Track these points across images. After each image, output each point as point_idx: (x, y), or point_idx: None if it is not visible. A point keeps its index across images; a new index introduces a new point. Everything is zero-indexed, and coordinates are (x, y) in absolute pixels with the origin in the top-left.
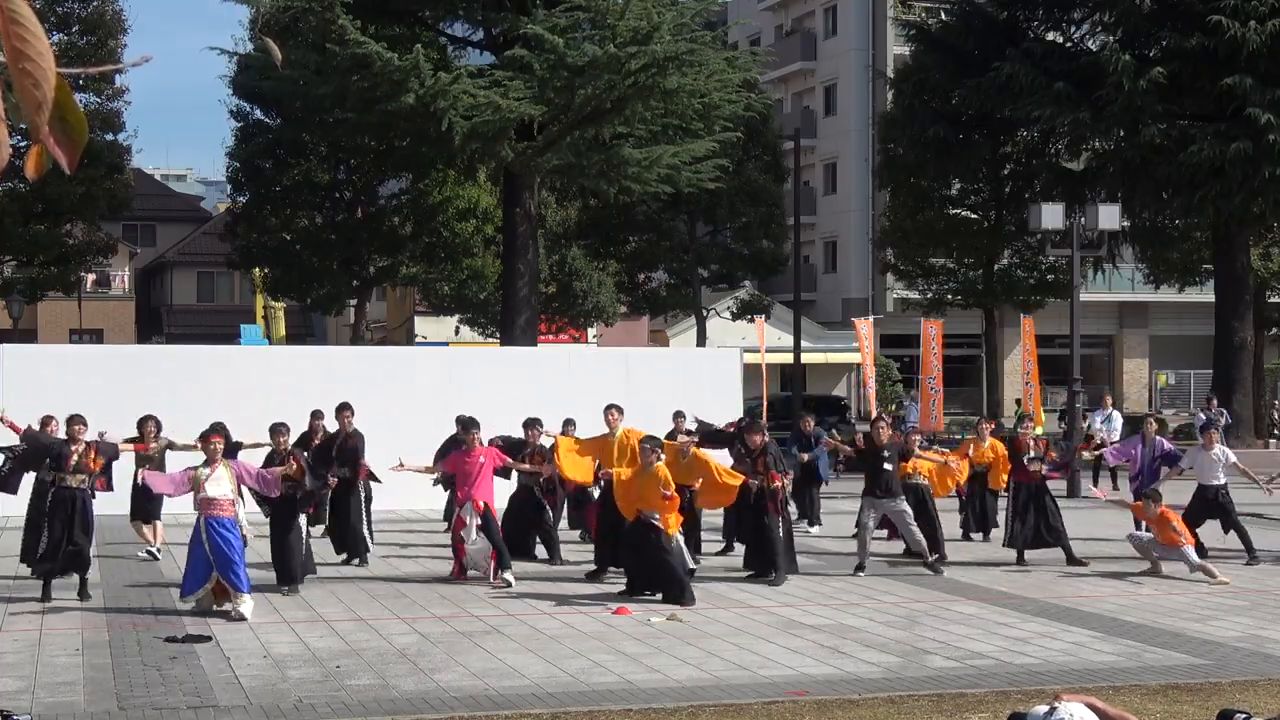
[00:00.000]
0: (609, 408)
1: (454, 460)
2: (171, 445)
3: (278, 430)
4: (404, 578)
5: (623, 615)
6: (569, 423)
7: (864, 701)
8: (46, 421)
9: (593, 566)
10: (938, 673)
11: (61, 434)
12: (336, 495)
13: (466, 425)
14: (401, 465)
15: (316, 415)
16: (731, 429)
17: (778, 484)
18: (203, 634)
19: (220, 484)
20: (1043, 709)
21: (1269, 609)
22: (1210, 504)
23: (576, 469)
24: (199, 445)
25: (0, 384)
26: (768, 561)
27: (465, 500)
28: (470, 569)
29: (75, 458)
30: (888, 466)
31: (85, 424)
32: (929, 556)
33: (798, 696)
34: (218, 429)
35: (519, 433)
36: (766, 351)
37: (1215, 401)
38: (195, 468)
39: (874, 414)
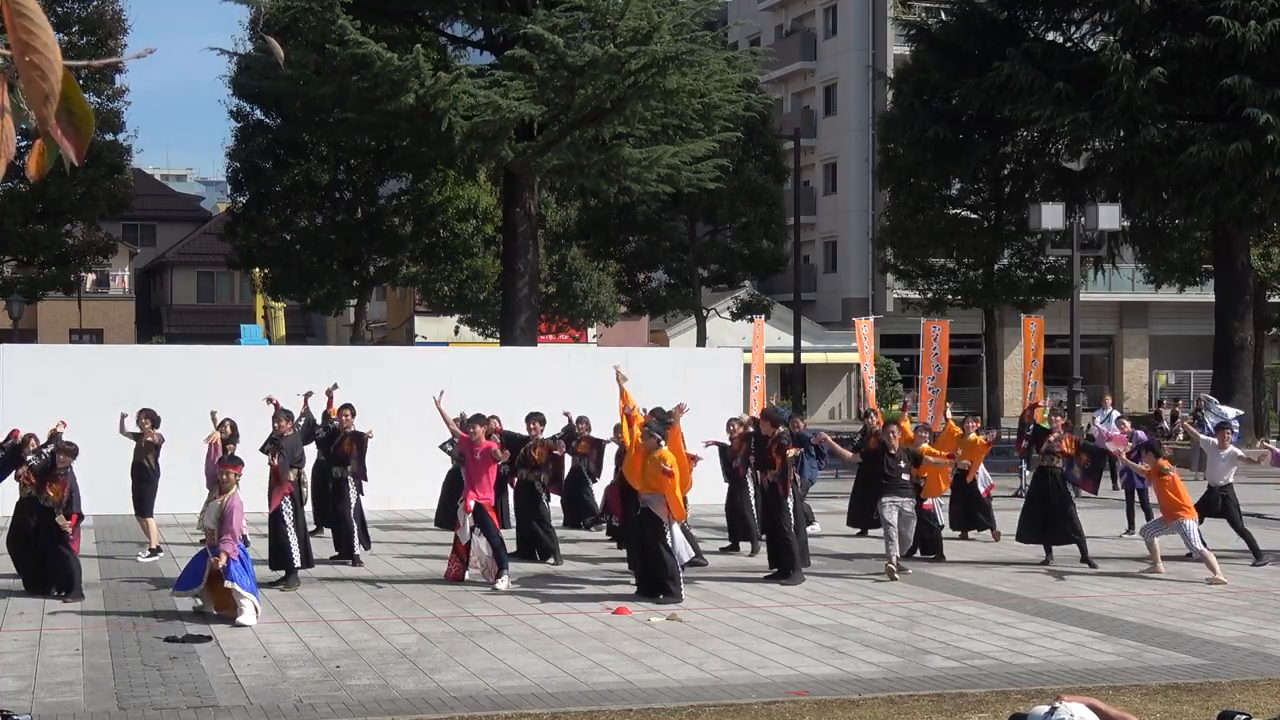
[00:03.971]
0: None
1: (465, 444)
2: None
3: (280, 415)
4: (404, 578)
5: (623, 615)
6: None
7: (864, 701)
8: (26, 440)
9: (593, 566)
10: (938, 673)
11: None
12: (329, 496)
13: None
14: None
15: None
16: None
17: (789, 455)
18: (203, 634)
19: (214, 515)
20: (1043, 709)
21: (1269, 609)
22: (1216, 505)
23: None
24: (219, 469)
25: (0, 384)
26: (784, 561)
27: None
28: (470, 568)
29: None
30: (905, 476)
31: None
32: (900, 558)
33: (798, 696)
34: (231, 455)
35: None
36: (766, 351)
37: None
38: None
39: (878, 419)
